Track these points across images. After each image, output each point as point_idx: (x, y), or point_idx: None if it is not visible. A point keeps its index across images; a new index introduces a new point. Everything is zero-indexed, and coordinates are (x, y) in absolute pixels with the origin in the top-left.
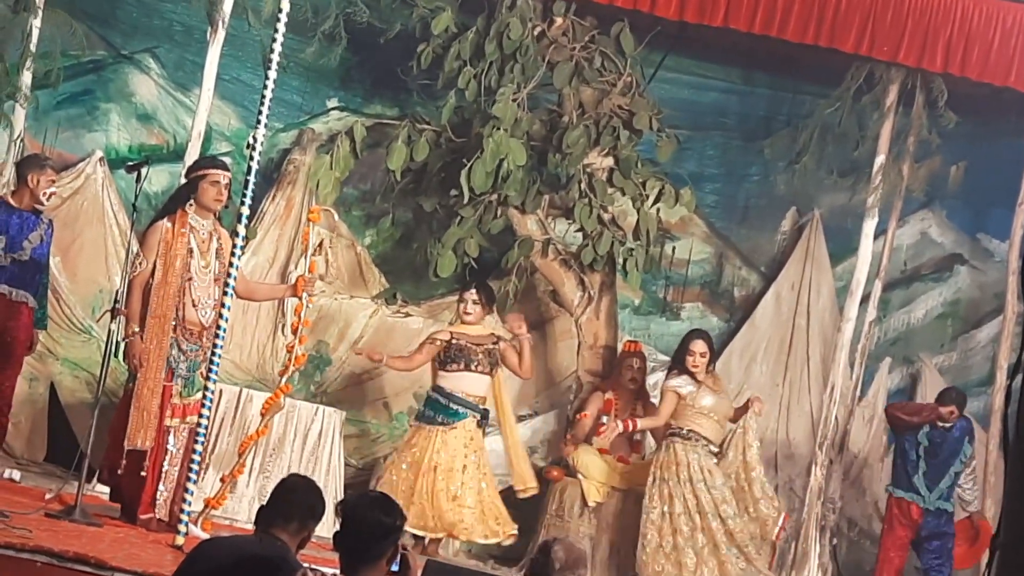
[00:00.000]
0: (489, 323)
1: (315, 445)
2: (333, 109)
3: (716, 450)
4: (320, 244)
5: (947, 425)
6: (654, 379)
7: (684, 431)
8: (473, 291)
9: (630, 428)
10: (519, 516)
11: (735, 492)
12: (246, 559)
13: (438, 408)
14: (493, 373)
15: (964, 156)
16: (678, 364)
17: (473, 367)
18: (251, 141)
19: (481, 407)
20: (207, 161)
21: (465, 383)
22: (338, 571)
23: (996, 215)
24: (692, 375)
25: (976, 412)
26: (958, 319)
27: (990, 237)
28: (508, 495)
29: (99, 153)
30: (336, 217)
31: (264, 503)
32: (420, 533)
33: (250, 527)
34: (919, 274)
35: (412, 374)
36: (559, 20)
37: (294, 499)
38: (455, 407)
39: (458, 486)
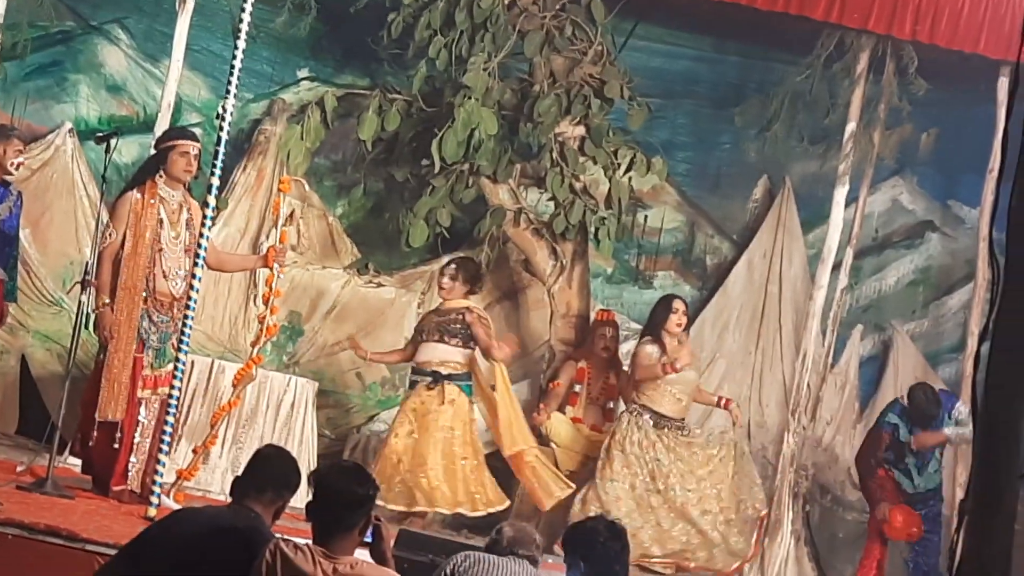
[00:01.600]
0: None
1: (288, 416)
2: (304, 79)
3: (678, 424)
4: (291, 214)
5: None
6: (627, 347)
7: (637, 407)
8: (452, 267)
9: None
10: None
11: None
12: (218, 530)
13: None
14: (467, 345)
15: (934, 123)
16: (652, 331)
17: (437, 339)
18: (221, 111)
19: (429, 371)
20: (177, 132)
21: (429, 354)
22: (311, 541)
23: (967, 182)
24: (663, 345)
25: (948, 378)
26: (929, 286)
27: (961, 204)
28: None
29: (68, 124)
30: (307, 187)
31: (239, 474)
32: (402, 509)
33: (223, 498)
34: (890, 241)
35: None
36: None
37: (268, 470)
38: (413, 377)
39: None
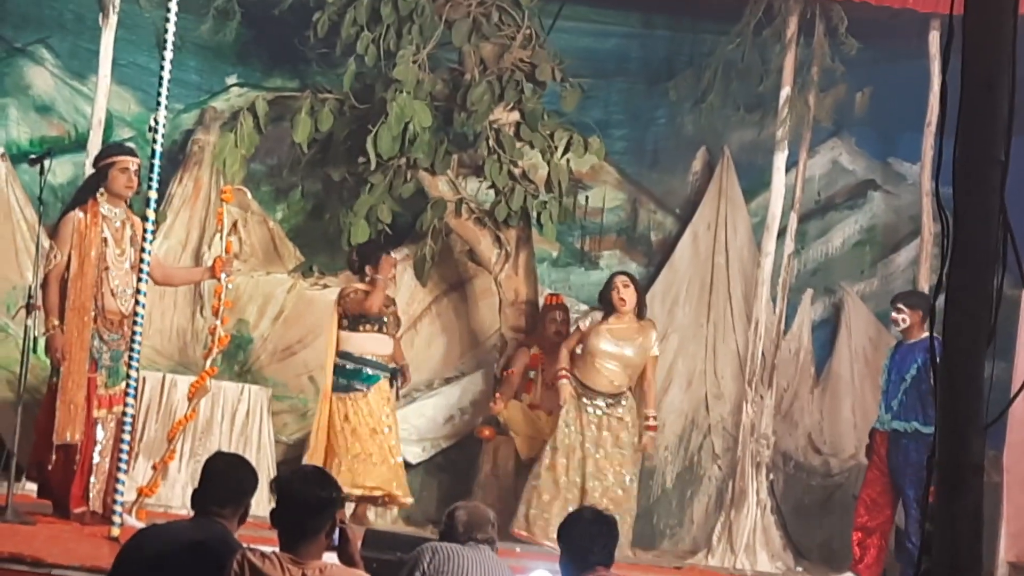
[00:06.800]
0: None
1: (244, 424)
2: (233, 86)
3: (618, 395)
4: (235, 224)
5: (901, 331)
6: None
7: (581, 386)
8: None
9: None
10: (454, 477)
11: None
12: (186, 545)
13: (351, 374)
14: (396, 334)
15: (868, 82)
16: (603, 306)
17: (383, 329)
18: (153, 124)
19: (391, 366)
20: (115, 148)
21: (373, 344)
22: (277, 549)
23: (905, 138)
24: (616, 311)
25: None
26: (876, 245)
27: (901, 160)
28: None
29: (0, 149)
30: (249, 196)
31: (197, 488)
32: (364, 493)
33: (184, 513)
34: (833, 203)
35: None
36: None
37: (222, 483)
38: (369, 370)
39: (387, 447)
